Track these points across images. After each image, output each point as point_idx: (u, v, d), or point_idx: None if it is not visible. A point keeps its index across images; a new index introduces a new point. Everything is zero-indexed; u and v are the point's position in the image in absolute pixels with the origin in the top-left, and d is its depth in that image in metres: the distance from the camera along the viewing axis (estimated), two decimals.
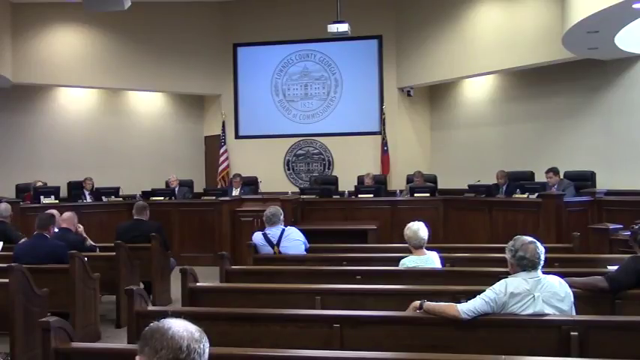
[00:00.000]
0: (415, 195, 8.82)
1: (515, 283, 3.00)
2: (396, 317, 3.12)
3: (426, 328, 3.04)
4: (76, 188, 9.58)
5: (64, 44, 10.13)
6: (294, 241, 5.34)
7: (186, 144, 11.96)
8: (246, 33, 11.48)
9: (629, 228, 4.18)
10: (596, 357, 2.77)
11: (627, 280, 3.42)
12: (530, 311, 2.95)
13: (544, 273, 3.08)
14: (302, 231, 5.55)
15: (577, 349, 2.84)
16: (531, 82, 9.50)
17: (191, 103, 12.11)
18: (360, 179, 9.80)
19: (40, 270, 4.79)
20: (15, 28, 9.51)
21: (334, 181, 10.20)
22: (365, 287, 4.00)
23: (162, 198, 9.37)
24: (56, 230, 5.40)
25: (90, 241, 5.97)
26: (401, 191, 9.50)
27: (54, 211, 5.72)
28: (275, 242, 5.28)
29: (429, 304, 3.07)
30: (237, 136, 11.71)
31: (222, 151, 11.44)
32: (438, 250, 4.62)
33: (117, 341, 4.88)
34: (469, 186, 8.57)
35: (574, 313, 3.06)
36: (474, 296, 3.03)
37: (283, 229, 5.36)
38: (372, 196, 8.96)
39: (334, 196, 9.34)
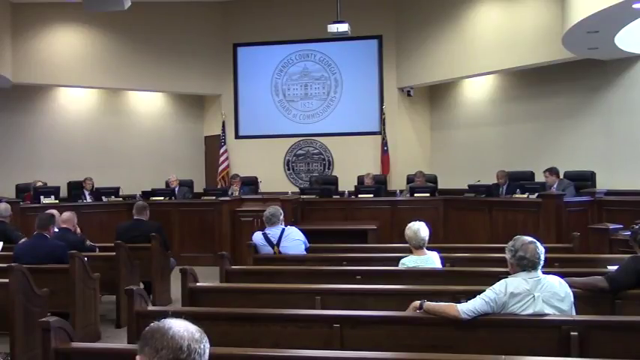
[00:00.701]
0: (415, 195, 8.83)
1: (515, 283, 3.00)
2: (396, 317, 3.12)
3: (426, 328, 3.04)
4: (76, 188, 9.58)
5: (64, 44, 10.13)
6: (294, 241, 5.34)
7: (186, 144, 11.96)
8: (246, 33, 11.48)
9: (629, 228, 4.18)
10: (596, 357, 2.77)
11: (627, 280, 3.42)
12: (530, 311, 2.94)
13: (544, 273, 3.08)
14: (302, 231, 5.55)
15: (577, 349, 2.84)
16: (531, 82, 9.50)
17: (191, 103, 12.11)
18: (360, 179, 9.80)
19: (40, 270, 4.79)
20: (15, 28, 9.51)
21: (334, 181, 10.20)
22: (365, 287, 4.00)
23: (162, 198, 9.37)
24: (56, 230, 5.40)
25: (89, 242, 5.98)
26: (401, 191, 9.50)
27: (54, 211, 5.72)
28: (275, 242, 5.28)
29: (429, 304, 3.07)
30: (237, 136, 11.71)
31: (222, 151, 11.44)
32: (439, 250, 4.62)
33: (117, 341, 4.88)
34: (469, 186, 8.57)
35: (574, 313, 3.06)
36: (474, 296, 3.03)
37: (283, 229, 5.36)
38: (372, 196, 8.97)
39: (334, 196, 9.34)
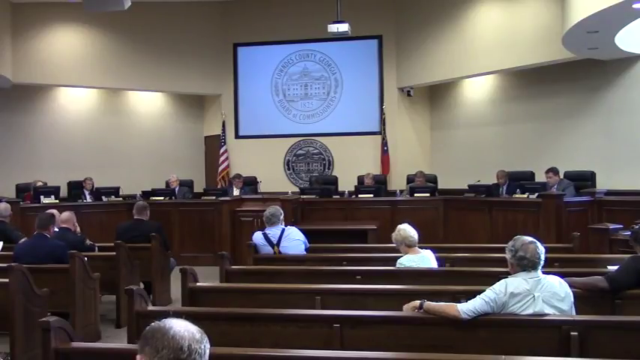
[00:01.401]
0: (415, 195, 8.83)
1: (516, 283, 3.00)
2: (396, 317, 3.12)
3: (426, 328, 3.05)
4: (76, 188, 9.57)
5: (64, 44, 10.13)
6: (294, 241, 5.34)
7: (186, 144, 11.96)
8: (246, 33, 11.48)
9: (630, 228, 4.18)
10: (596, 357, 2.77)
11: (627, 280, 3.42)
12: (530, 311, 2.95)
13: (544, 273, 3.08)
14: (302, 231, 5.55)
15: (577, 349, 2.84)
16: (531, 82, 9.50)
17: (191, 103, 12.11)
18: (360, 179, 9.80)
19: (40, 270, 4.79)
20: (15, 28, 9.51)
21: (334, 181, 10.20)
22: (365, 287, 4.00)
23: (162, 198, 9.37)
24: (56, 230, 5.40)
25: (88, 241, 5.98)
26: (401, 191, 9.50)
27: (54, 211, 5.72)
28: (275, 242, 5.28)
29: (429, 304, 3.07)
30: (237, 136, 11.71)
31: (222, 151, 11.45)
32: (434, 249, 4.62)
33: (117, 341, 4.88)
34: (469, 186, 8.57)
35: (574, 313, 3.06)
36: (474, 296, 3.03)
37: (283, 229, 5.36)
38: (372, 196, 8.97)
39: (334, 196, 9.34)
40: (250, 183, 10.07)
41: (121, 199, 9.36)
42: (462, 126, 10.84)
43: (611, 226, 5.80)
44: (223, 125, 11.51)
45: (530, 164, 8.77)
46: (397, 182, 10.51)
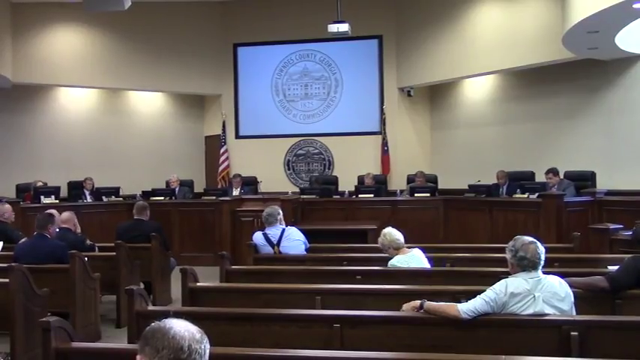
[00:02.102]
0: (415, 195, 8.83)
1: (516, 283, 3.00)
2: (396, 317, 3.12)
3: (426, 328, 3.05)
4: (76, 188, 9.57)
5: (64, 44, 10.12)
6: (294, 241, 5.34)
7: (186, 144, 11.95)
8: (246, 33, 11.48)
9: (631, 228, 4.18)
10: (596, 357, 2.77)
11: (628, 280, 3.42)
12: (530, 311, 2.94)
13: (544, 273, 3.08)
14: (302, 231, 5.56)
15: (577, 349, 2.84)
16: (531, 82, 9.50)
17: (191, 103, 12.11)
18: (361, 179, 9.80)
19: (41, 270, 4.79)
20: (15, 28, 9.50)
21: (334, 181, 10.20)
22: (365, 287, 4.00)
23: (162, 198, 9.37)
24: (57, 230, 5.40)
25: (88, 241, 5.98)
26: (401, 191, 9.50)
27: (53, 211, 5.71)
28: (275, 242, 5.28)
29: (429, 304, 3.07)
30: (237, 136, 11.71)
31: (222, 151, 11.44)
32: (423, 248, 4.62)
33: (117, 341, 4.88)
34: (469, 186, 8.57)
35: (574, 313, 3.06)
36: (474, 296, 3.03)
37: (283, 229, 5.36)
38: (372, 196, 8.97)
39: (334, 196, 9.34)
40: (250, 183, 10.07)
41: (121, 199, 9.37)
42: (462, 126, 10.84)
43: (612, 226, 5.79)
44: (223, 125, 11.51)
45: (530, 164, 8.76)
46: (397, 182, 10.51)
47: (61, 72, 10.05)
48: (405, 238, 4.50)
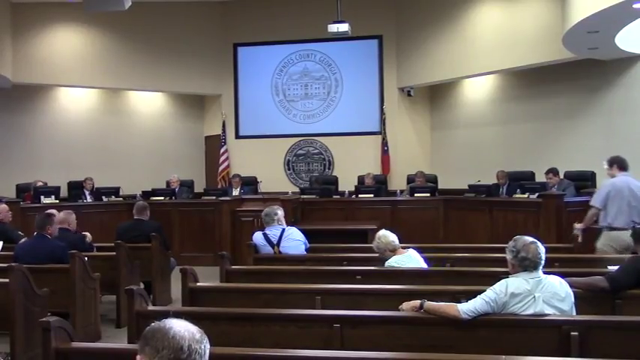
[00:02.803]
0: (415, 195, 8.83)
1: (516, 283, 3.00)
2: (396, 317, 3.12)
3: (426, 328, 3.04)
4: (76, 188, 9.57)
5: (64, 44, 10.12)
6: (294, 241, 5.34)
7: (186, 144, 11.96)
8: (246, 33, 11.48)
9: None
10: (596, 357, 2.77)
11: (628, 280, 3.42)
12: (530, 311, 2.94)
13: (545, 273, 3.08)
14: (302, 231, 5.55)
15: (577, 349, 2.84)
16: (531, 82, 9.50)
17: (191, 103, 12.11)
18: (361, 179, 9.80)
19: (40, 270, 4.79)
20: (15, 28, 9.51)
21: (334, 181, 10.20)
22: (365, 287, 3.99)
23: (162, 198, 9.37)
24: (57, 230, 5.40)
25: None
26: (401, 191, 9.50)
27: (53, 211, 5.71)
28: (275, 242, 5.28)
29: (429, 304, 3.06)
30: (237, 136, 11.71)
31: (222, 151, 11.44)
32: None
33: (117, 341, 4.88)
34: (469, 186, 8.57)
35: (574, 313, 3.06)
36: (474, 296, 3.03)
37: (283, 229, 5.36)
38: (372, 196, 8.96)
39: (334, 196, 9.34)
40: (250, 183, 10.07)
41: (121, 199, 9.36)
42: (463, 126, 10.84)
43: None
44: (223, 125, 11.51)
45: (530, 164, 8.76)
46: (397, 182, 10.51)
47: (61, 72, 10.05)
48: (404, 238, 4.50)
